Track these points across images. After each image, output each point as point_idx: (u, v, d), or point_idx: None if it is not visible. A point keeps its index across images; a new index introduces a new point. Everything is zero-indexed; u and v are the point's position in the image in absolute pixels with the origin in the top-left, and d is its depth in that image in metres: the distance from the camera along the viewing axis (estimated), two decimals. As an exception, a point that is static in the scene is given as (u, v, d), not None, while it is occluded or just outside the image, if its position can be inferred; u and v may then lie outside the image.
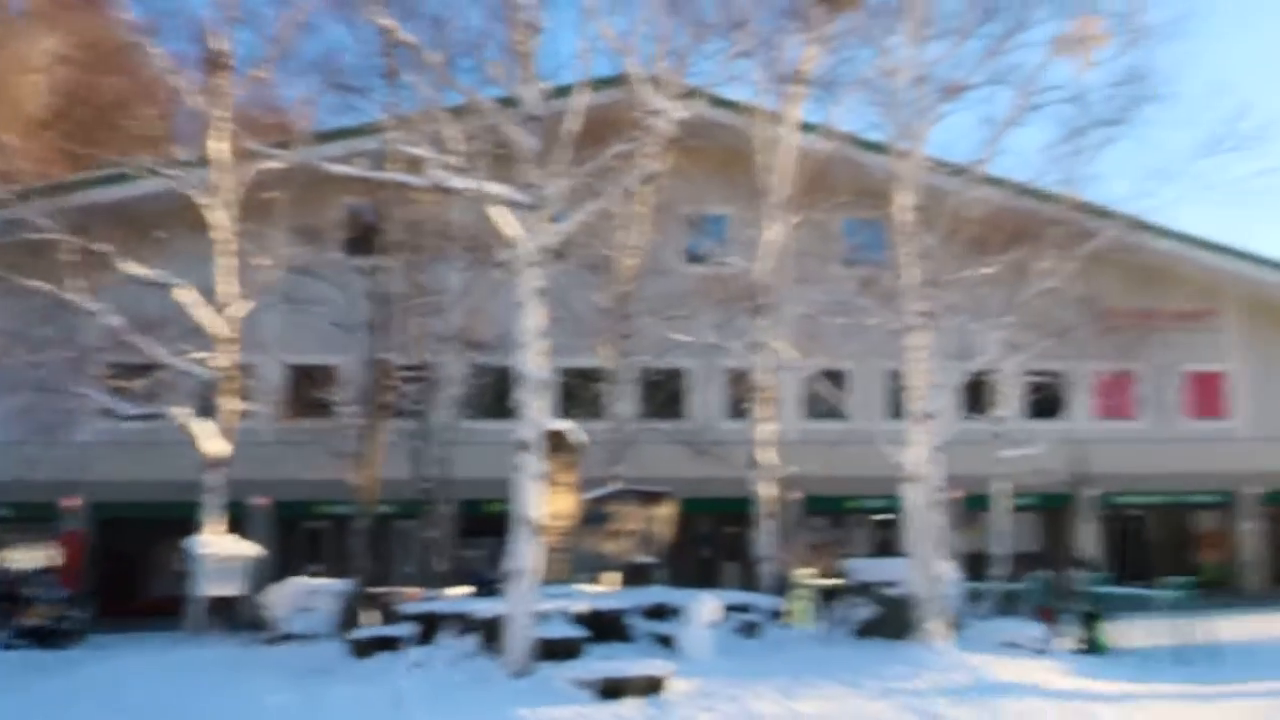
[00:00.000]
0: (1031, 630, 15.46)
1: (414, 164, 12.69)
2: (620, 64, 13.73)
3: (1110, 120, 15.33)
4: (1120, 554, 26.58)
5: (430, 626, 12.78)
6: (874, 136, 16.61)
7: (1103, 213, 18.02)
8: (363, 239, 22.17)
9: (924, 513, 14.16)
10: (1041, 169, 16.02)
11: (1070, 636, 16.77)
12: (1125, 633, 16.27)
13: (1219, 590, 23.42)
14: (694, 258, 23.92)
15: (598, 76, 14.89)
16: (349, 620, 15.76)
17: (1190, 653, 14.99)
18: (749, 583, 19.60)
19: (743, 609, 14.84)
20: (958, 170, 16.22)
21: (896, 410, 16.11)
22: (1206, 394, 27.92)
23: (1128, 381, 26.34)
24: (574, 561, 15.44)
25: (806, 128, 19.01)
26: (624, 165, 13.17)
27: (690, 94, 14.44)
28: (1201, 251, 26.35)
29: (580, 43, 13.17)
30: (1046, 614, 17.46)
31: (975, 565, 20.72)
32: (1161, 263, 25.75)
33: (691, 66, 15.03)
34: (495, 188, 11.39)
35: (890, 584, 14.61)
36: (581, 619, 12.88)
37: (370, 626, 14.72)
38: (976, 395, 21.64)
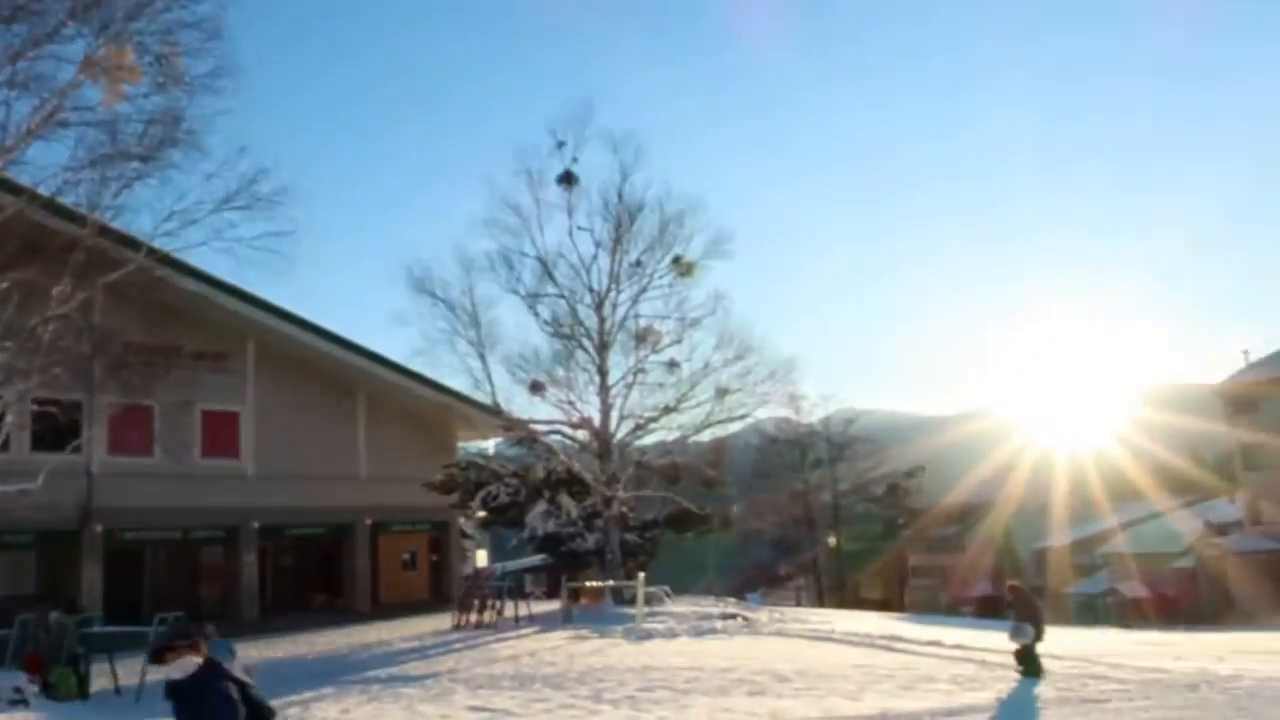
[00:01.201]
0: (14, 680, 14.44)
1: None
2: None
3: (141, 155, 15.42)
4: (128, 590, 26.35)
5: None
6: None
7: (129, 243, 17.89)
8: None
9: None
10: (63, 188, 15.37)
11: (62, 683, 16.02)
12: (124, 671, 16.10)
13: (219, 620, 24.57)
14: None
15: None
16: None
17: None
18: None
19: None
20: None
21: None
22: (221, 433, 29.31)
23: (144, 417, 26.25)
24: None
25: None
26: None
27: None
28: (224, 295, 27.72)
29: None
30: (34, 662, 16.41)
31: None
32: (184, 302, 26.42)
33: None
34: None
35: None
36: None
37: None
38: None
